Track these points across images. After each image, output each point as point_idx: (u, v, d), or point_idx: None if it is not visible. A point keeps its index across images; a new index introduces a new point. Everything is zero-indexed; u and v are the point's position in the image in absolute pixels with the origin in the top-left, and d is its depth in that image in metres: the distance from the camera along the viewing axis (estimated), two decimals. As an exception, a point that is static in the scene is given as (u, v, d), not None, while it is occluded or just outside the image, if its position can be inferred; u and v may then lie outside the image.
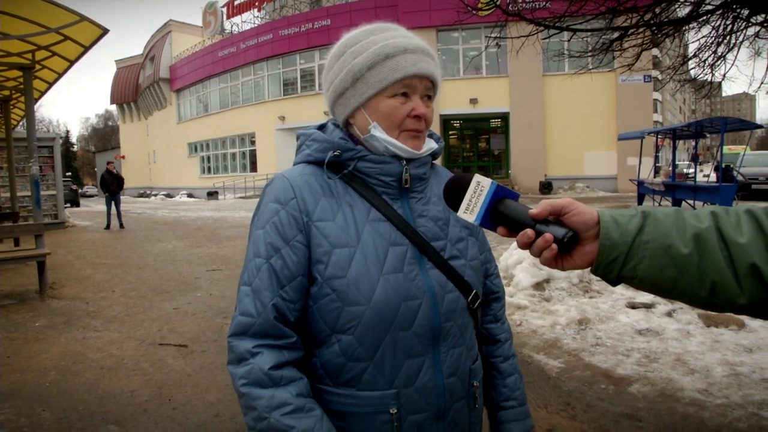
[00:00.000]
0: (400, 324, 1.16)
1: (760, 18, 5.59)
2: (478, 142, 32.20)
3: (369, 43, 1.20)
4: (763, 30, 5.96)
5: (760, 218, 0.85)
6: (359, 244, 1.17)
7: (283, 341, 1.15)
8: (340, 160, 1.22)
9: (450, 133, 31.87)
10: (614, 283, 0.93)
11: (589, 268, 0.93)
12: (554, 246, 0.90)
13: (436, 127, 27.43)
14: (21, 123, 16.11)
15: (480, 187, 0.97)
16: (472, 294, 1.27)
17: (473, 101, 27.95)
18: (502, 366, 1.43)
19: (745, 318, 5.09)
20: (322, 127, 1.33)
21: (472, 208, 0.97)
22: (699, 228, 0.86)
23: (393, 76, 1.17)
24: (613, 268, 0.89)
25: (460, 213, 0.98)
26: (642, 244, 0.87)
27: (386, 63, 1.18)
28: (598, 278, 6.73)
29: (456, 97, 27.81)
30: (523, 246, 0.93)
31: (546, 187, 26.27)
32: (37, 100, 10.97)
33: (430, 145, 1.29)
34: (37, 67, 9.18)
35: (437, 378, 1.21)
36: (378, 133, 1.21)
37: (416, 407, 1.20)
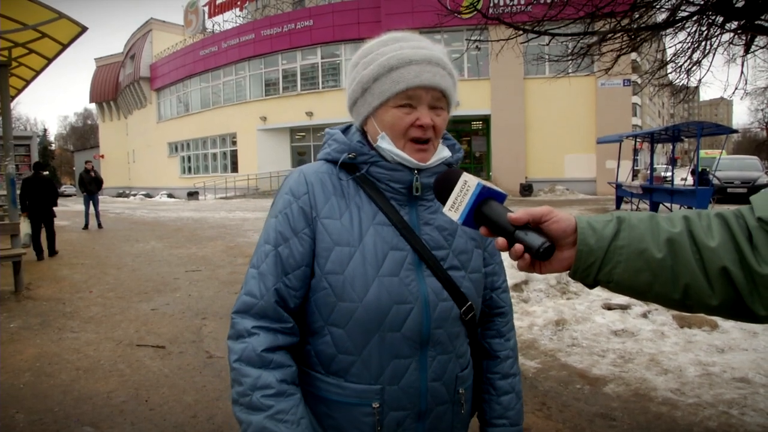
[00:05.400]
0: (390, 325, 1.21)
1: (734, 25, 5.70)
2: (460, 144, 32.28)
3: (378, 55, 1.25)
4: (736, 37, 6.08)
5: (730, 222, 0.88)
6: (360, 244, 1.22)
7: (280, 325, 1.23)
8: (354, 162, 1.28)
9: (431, 134, 31.87)
10: (591, 286, 0.96)
11: (567, 272, 0.95)
12: (527, 256, 0.92)
13: (417, 129, 27.39)
14: (-3, 121, 15.85)
15: (466, 186, 0.98)
16: (467, 305, 1.29)
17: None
18: (499, 383, 1.43)
19: (717, 319, 5.19)
20: (348, 128, 1.38)
21: (457, 206, 0.98)
22: (672, 232, 0.89)
23: (395, 87, 1.21)
24: (590, 273, 0.92)
25: (446, 210, 1.00)
26: (617, 249, 0.90)
27: (390, 75, 1.22)
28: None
29: (438, 99, 27.82)
30: (501, 251, 0.97)
31: (526, 190, 26.44)
32: (13, 98, 10.81)
33: (442, 154, 1.32)
34: (14, 64, 9.04)
35: (421, 380, 1.26)
36: (385, 144, 1.25)
37: (398, 405, 1.25)
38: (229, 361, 1.23)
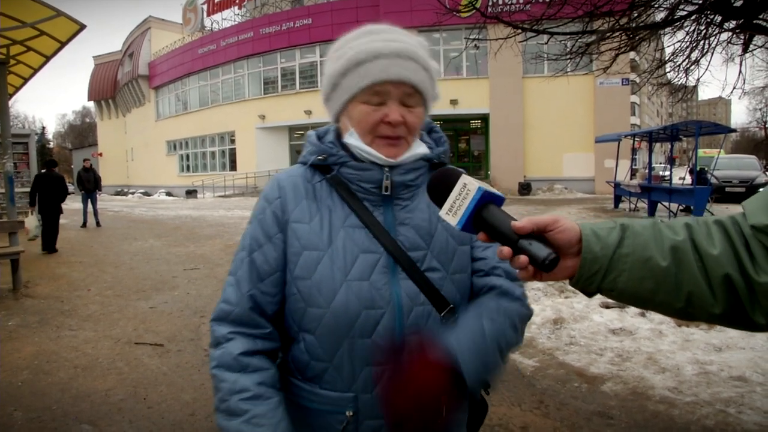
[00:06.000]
0: (360, 331, 1.17)
1: (732, 24, 5.71)
2: (458, 143, 32.31)
3: (348, 49, 1.20)
4: (735, 36, 6.08)
5: (729, 229, 0.87)
6: (330, 248, 1.19)
7: (257, 331, 1.21)
8: (326, 164, 1.25)
9: (430, 133, 31.87)
10: (591, 295, 0.94)
11: (569, 280, 0.93)
12: (530, 268, 0.88)
13: (416, 128, 27.44)
14: (-5, 119, 15.80)
15: (466, 190, 0.92)
16: (448, 309, 1.22)
17: (453, 102, 28.04)
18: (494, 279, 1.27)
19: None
20: (327, 131, 1.34)
21: (455, 211, 0.93)
22: (676, 240, 0.88)
23: (362, 82, 1.17)
24: (593, 281, 0.90)
25: (442, 214, 0.94)
26: (622, 257, 0.88)
27: (357, 69, 1.17)
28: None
29: (436, 98, 27.86)
30: (503, 259, 0.92)
31: (525, 189, 26.45)
32: (11, 95, 10.79)
33: (417, 150, 1.25)
34: (12, 62, 9.02)
35: None
36: (352, 140, 1.21)
37: (373, 413, 1.20)
38: (209, 369, 1.22)
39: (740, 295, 0.84)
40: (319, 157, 1.24)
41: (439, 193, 0.96)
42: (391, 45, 1.17)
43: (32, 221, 10.68)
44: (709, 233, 0.88)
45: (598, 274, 0.89)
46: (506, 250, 0.88)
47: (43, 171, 12.81)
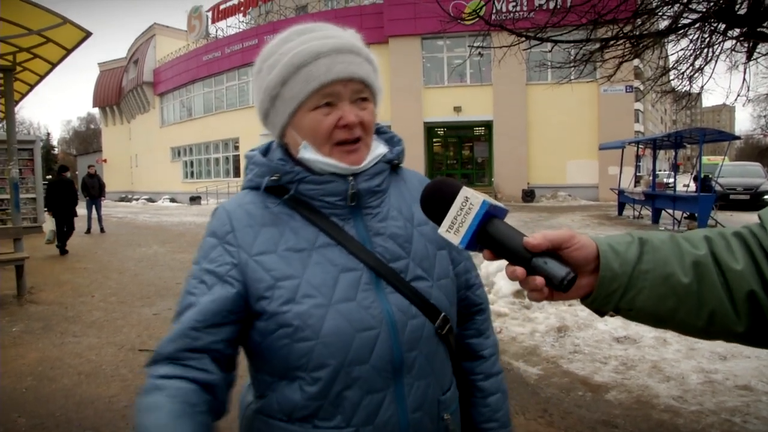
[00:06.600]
0: (356, 357, 1.06)
1: (736, 32, 5.71)
2: (462, 150, 32.31)
3: (282, 55, 1.11)
4: (739, 44, 6.08)
5: (749, 241, 0.83)
6: (305, 274, 1.07)
7: (188, 362, 1.05)
8: (280, 183, 1.13)
9: (434, 140, 31.93)
10: (605, 314, 0.88)
11: (581, 300, 0.86)
12: (545, 289, 0.81)
13: (419, 135, 27.55)
14: (1, 125, 15.90)
15: (469, 204, 0.84)
16: (441, 317, 1.15)
17: (457, 109, 28.06)
18: (483, 384, 1.31)
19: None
20: (268, 147, 1.23)
21: (457, 227, 0.85)
22: (697, 255, 0.82)
23: (307, 87, 1.07)
24: (611, 300, 0.83)
25: (442, 231, 0.86)
26: (641, 273, 0.82)
27: (298, 74, 1.07)
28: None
29: (440, 105, 27.92)
30: (513, 280, 0.84)
31: (529, 196, 26.43)
32: (17, 102, 10.85)
33: (378, 152, 1.17)
34: (19, 68, 9.08)
35: (400, 414, 1.10)
36: (308, 154, 1.11)
37: None
38: None
39: (765, 312, 0.78)
40: (273, 178, 1.12)
41: (436, 208, 0.88)
42: (328, 42, 1.09)
43: (49, 225, 11.02)
44: (729, 246, 0.82)
45: (617, 293, 0.82)
46: (519, 270, 0.81)
47: (49, 177, 13.25)
